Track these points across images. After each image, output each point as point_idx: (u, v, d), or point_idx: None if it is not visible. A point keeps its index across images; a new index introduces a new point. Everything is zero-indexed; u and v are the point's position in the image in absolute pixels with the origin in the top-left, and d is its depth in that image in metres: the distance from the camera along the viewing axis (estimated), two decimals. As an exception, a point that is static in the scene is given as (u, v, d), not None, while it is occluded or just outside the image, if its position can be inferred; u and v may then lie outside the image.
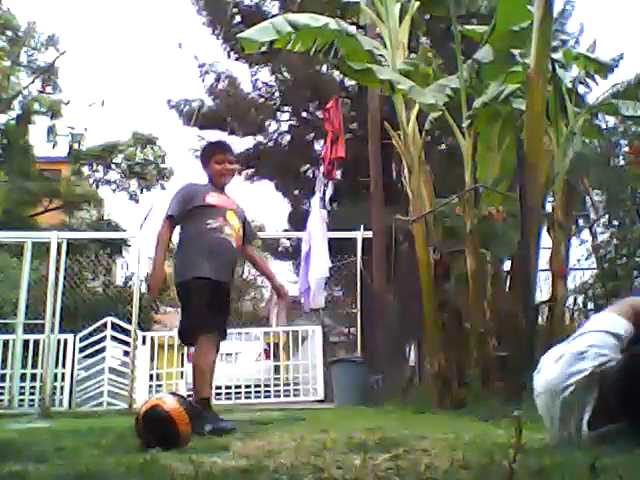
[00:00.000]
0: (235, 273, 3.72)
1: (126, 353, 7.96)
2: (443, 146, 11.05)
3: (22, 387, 7.53)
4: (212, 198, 3.54)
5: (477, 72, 5.13)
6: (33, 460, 2.06)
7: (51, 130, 18.75)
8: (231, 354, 10.62)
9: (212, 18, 12.56)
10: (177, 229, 3.62)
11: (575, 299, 5.53)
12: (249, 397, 8.47)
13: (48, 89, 19.22)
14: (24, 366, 7.59)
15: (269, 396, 8.55)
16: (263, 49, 5.21)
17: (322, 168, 7.85)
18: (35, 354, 7.58)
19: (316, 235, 7.31)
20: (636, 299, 2.10)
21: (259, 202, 50.07)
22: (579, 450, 1.70)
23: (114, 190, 20.29)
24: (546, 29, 4.33)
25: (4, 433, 3.78)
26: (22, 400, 7.50)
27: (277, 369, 9.38)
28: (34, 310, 8.02)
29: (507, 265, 5.36)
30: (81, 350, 7.99)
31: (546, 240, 4.91)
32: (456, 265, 5.13)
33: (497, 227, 5.01)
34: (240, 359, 10.52)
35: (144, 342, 8.37)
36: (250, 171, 13.80)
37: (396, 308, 7.23)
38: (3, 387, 7.49)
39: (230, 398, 8.32)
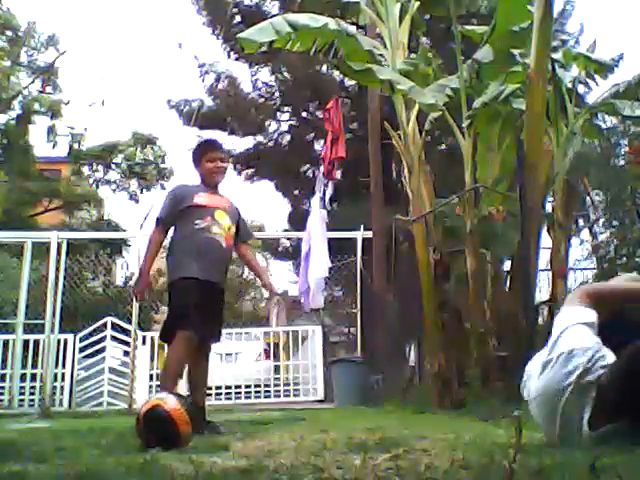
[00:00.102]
0: (227, 272, 3.67)
1: (126, 353, 7.96)
2: (443, 146, 11.05)
3: (22, 387, 7.53)
4: (200, 198, 3.52)
5: (477, 72, 5.14)
6: (33, 460, 2.06)
7: (51, 130, 18.75)
8: (231, 354, 10.62)
9: (212, 18, 12.56)
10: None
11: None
12: (249, 397, 8.47)
13: (48, 89, 19.22)
14: (24, 366, 7.58)
15: (269, 396, 8.55)
16: (263, 49, 5.21)
17: (322, 168, 7.85)
18: (35, 354, 7.57)
19: (316, 235, 7.32)
20: (586, 286, 2.12)
21: (259, 202, 50.18)
22: (579, 450, 1.70)
23: (114, 190, 20.31)
24: (546, 29, 4.33)
25: (4, 433, 3.78)
26: (22, 400, 7.50)
27: (277, 369, 9.37)
28: (34, 310, 8.02)
29: (507, 265, 5.36)
30: (81, 350, 7.98)
31: (546, 240, 4.92)
32: (456, 265, 5.13)
33: (497, 227, 5.01)
34: (240, 359, 10.52)
35: (144, 342, 8.36)
36: (250, 171, 13.81)
37: (396, 308, 7.23)
38: (3, 387, 7.49)
39: (230, 398, 8.32)
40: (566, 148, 4.97)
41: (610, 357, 1.90)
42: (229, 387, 8.53)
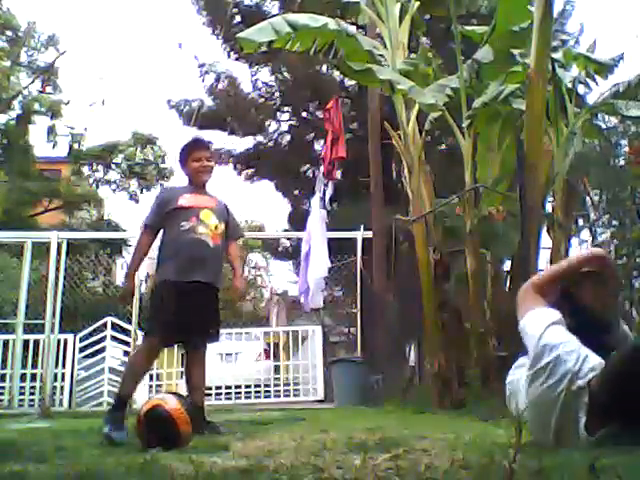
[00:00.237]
0: (221, 269, 3.62)
1: (126, 353, 7.95)
2: (443, 146, 11.05)
3: (22, 387, 7.53)
4: (184, 200, 3.51)
5: (477, 72, 5.14)
6: (33, 460, 2.06)
7: (51, 130, 18.74)
8: (231, 354, 10.63)
9: (212, 18, 12.55)
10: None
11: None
12: (249, 397, 8.46)
13: (48, 89, 19.21)
14: (24, 366, 7.58)
15: (269, 396, 8.55)
16: (263, 49, 5.21)
17: (322, 168, 7.85)
18: (35, 354, 7.57)
19: (316, 235, 7.32)
20: (525, 285, 2.20)
21: (259, 202, 50.19)
22: (578, 450, 1.70)
23: (114, 190, 20.31)
24: (546, 29, 4.33)
25: (4, 433, 3.78)
26: (22, 400, 7.50)
27: (277, 369, 9.38)
28: (34, 310, 8.01)
29: (507, 265, 5.36)
30: (81, 350, 7.99)
31: (546, 240, 4.92)
32: (456, 265, 5.13)
33: (497, 227, 5.01)
34: (240, 359, 10.52)
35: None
36: (250, 171, 13.81)
37: (396, 308, 7.23)
38: (3, 387, 7.49)
39: (230, 398, 8.32)
40: (566, 148, 4.97)
41: (593, 358, 1.91)
42: (229, 387, 8.53)
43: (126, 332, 7.86)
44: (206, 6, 12.60)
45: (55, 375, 7.53)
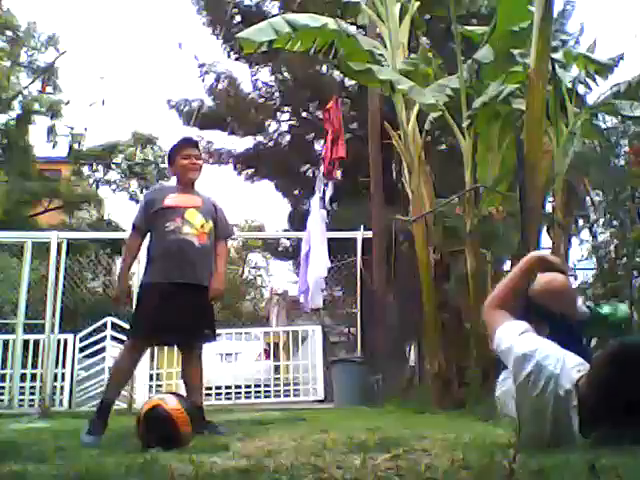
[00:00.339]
0: (209, 269, 3.55)
1: (126, 353, 7.94)
2: (443, 146, 11.04)
3: (22, 387, 7.52)
4: (170, 200, 3.49)
5: (477, 72, 5.14)
6: (33, 460, 2.06)
7: (51, 130, 18.75)
8: (231, 354, 10.62)
9: (212, 18, 12.54)
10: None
11: (575, 299, 5.52)
12: (249, 397, 8.46)
13: (48, 89, 19.22)
14: (24, 366, 7.58)
15: (269, 396, 8.54)
16: (263, 49, 5.21)
17: (322, 168, 7.85)
18: (35, 354, 7.57)
19: (315, 235, 7.32)
20: (487, 301, 2.26)
21: (259, 202, 50.21)
22: (577, 451, 1.70)
23: (114, 190, 20.32)
24: (546, 29, 4.33)
25: (4, 433, 3.79)
26: (22, 400, 7.49)
27: (277, 369, 9.37)
28: (34, 310, 8.01)
29: (507, 265, 5.36)
30: (81, 350, 7.98)
31: (546, 240, 4.92)
32: (456, 265, 5.13)
33: (497, 227, 5.01)
34: (240, 359, 10.52)
35: (144, 342, 8.35)
36: (250, 171, 13.80)
37: (396, 308, 7.23)
38: (3, 387, 7.48)
39: (230, 398, 8.31)
40: (566, 148, 4.97)
41: (571, 357, 1.92)
42: (229, 387, 8.52)
43: (126, 332, 7.85)
44: (206, 6, 12.59)
45: (55, 375, 7.52)
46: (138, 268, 5.82)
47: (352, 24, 7.53)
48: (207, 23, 12.76)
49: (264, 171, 13.65)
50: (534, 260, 2.25)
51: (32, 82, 19.01)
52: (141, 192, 20.14)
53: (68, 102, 19.11)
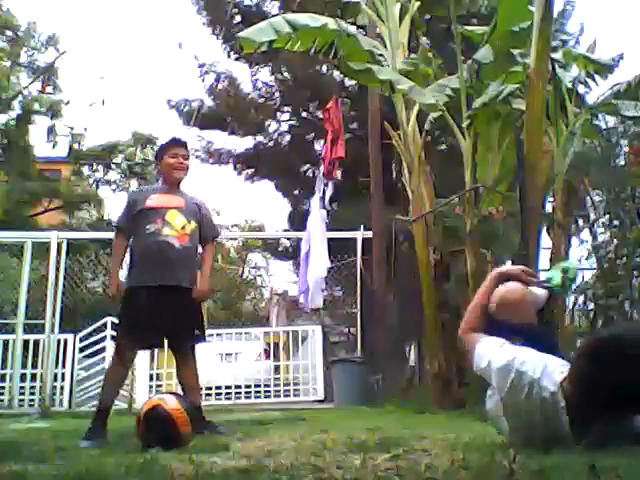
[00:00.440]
0: (193, 270, 3.52)
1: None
2: (443, 146, 11.04)
3: (22, 387, 7.52)
4: (151, 201, 3.46)
5: (477, 72, 5.14)
6: (33, 460, 2.07)
7: (51, 130, 18.74)
8: (231, 354, 10.62)
9: (212, 18, 12.54)
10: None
11: (575, 299, 5.53)
12: (249, 397, 8.46)
13: (48, 89, 19.21)
14: (24, 366, 7.57)
15: (269, 396, 8.54)
16: (263, 49, 5.21)
17: (322, 168, 7.85)
18: (35, 354, 7.57)
19: (315, 235, 7.32)
20: (461, 327, 2.26)
21: (259, 202, 50.19)
22: (578, 451, 1.70)
23: (114, 190, 20.31)
24: (546, 29, 4.33)
25: (4, 433, 3.79)
26: (22, 400, 7.49)
27: (277, 369, 9.37)
28: (34, 310, 8.01)
29: (507, 265, 5.35)
30: (81, 350, 7.98)
31: (546, 240, 4.92)
32: (456, 265, 5.13)
33: (497, 227, 5.01)
34: (240, 359, 10.51)
35: (144, 342, 8.34)
36: (250, 171, 13.80)
37: (396, 308, 7.23)
38: (3, 387, 7.48)
39: (230, 398, 8.31)
40: (566, 148, 4.97)
41: (552, 360, 1.94)
42: (229, 387, 8.52)
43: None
44: (206, 6, 12.59)
45: (55, 375, 7.53)
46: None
47: (352, 24, 7.53)
48: (207, 23, 12.75)
49: (264, 171, 13.65)
50: (495, 277, 2.27)
51: (32, 82, 19.00)
52: (141, 192, 20.14)
53: (68, 102, 19.11)
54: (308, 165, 13.15)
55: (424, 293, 5.11)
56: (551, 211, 5.05)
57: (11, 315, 8.66)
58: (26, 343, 7.61)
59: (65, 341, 7.86)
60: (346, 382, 6.82)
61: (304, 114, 13.08)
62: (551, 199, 5.09)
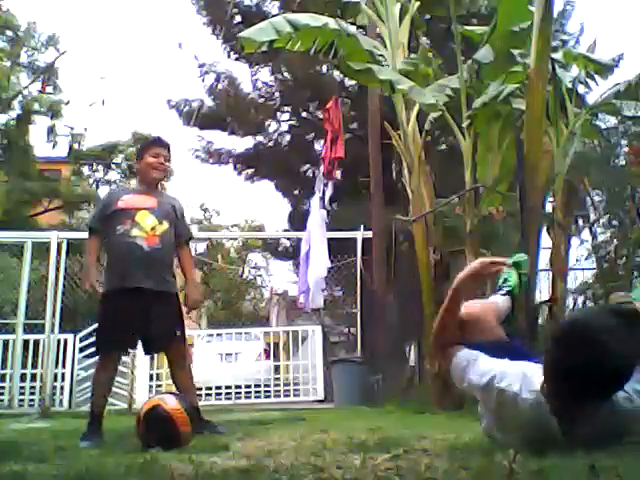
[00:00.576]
0: (165, 272, 3.44)
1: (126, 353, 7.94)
2: (443, 146, 11.04)
3: (22, 387, 7.52)
4: (122, 202, 3.41)
5: (477, 72, 5.14)
6: (33, 460, 2.07)
7: (51, 130, 18.74)
8: (231, 354, 10.62)
9: (212, 18, 12.54)
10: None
11: (575, 299, 5.53)
12: (249, 397, 8.46)
13: (48, 89, 19.21)
14: (24, 366, 7.57)
15: (269, 396, 8.54)
16: (263, 49, 5.21)
17: (322, 168, 7.85)
18: (35, 354, 7.56)
19: (315, 235, 7.32)
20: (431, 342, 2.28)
21: (259, 202, 50.21)
22: (578, 451, 1.70)
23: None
24: (546, 29, 4.33)
25: (4, 433, 3.79)
26: (22, 400, 7.49)
27: (277, 369, 9.37)
28: (34, 310, 8.00)
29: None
30: (81, 350, 7.98)
31: (546, 240, 4.92)
32: (456, 265, 5.13)
33: (497, 227, 5.01)
34: (240, 359, 10.51)
35: (144, 342, 8.34)
36: (250, 171, 13.80)
37: (396, 308, 7.23)
38: (3, 387, 7.48)
39: (230, 398, 8.31)
40: (566, 148, 4.97)
41: (529, 367, 1.93)
42: (229, 387, 8.52)
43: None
44: (206, 6, 12.59)
45: (55, 375, 7.53)
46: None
47: (352, 24, 7.53)
48: (207, 23, 12.75)
49: (264, 171, 13.65)
50: (455, 293, 2.28)
51: (32, 82, 18.99)
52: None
53: (68, 102, 19.11)
54: (308, 165, 13.15)
55: (424, 293, 5.11)
56: (551, 211, 5.05)
57: (11, 315, 8.66)
58: (26, 343, 7.61)
59: (65, 341, 7.86)
60: (346, 382, 6.82)
61: (304, 114, 13.08)
62: (551, 199, 5.09)
